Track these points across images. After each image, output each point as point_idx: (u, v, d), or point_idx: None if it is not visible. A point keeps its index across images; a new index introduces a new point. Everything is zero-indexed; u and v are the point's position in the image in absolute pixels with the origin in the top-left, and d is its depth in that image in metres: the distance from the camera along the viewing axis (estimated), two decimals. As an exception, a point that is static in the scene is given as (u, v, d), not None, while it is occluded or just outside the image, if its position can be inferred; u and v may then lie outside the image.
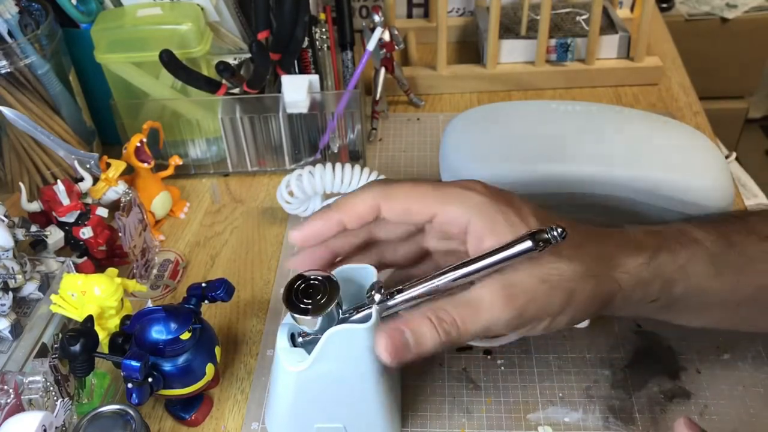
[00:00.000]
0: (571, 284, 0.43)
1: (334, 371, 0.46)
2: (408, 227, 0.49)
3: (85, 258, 0.65)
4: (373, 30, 0.79)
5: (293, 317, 0.45)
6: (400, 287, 0.45)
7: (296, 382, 0.47)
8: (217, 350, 0.54)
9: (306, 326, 0.46)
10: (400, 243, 0.51)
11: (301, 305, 0.45)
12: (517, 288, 0.43)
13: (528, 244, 0.41)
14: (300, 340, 0.47)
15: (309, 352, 0.47)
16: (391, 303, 0.45)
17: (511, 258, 0.42)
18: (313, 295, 0.45)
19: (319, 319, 0.44)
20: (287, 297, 0.45)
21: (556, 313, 0.44)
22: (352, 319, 0.47)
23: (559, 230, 0.41)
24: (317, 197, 0.70)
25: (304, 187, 0.67)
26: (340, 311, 0.46)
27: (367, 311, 0.46)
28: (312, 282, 0.45)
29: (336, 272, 0.49)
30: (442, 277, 0.44)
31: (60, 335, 0.55)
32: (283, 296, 0.45)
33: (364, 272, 0.49)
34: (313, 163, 0.69)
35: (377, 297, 0.45)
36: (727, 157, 0.74)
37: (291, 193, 0.68)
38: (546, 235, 0.41)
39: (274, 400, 0.50)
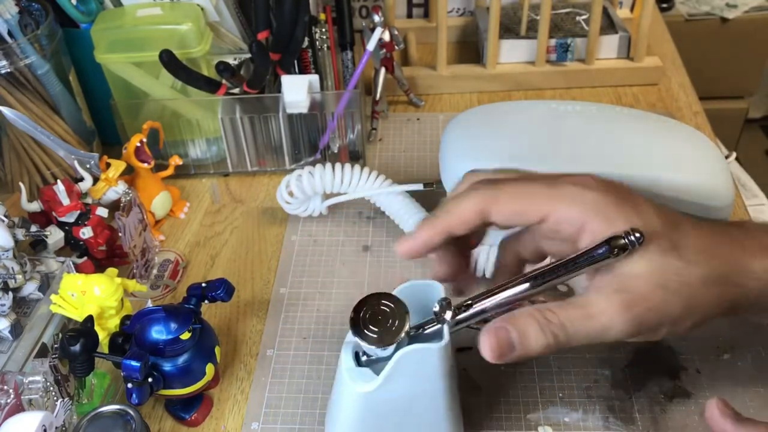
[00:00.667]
0: (693, 290, 0.41)
1: (404, 391, 0.45)
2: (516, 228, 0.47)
3: (85, 258, 0.65)
4: (373, 30, 0.79)
5: (361, 344, 0.44)
6: (469, 301, 0.43)
7: (364, 403, 0.46)
8: (217, 350, 0.54)
9: (375, 353, 0.44)
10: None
11: (370, 332, 0.43)
12: (634, 294, 0.40)
13: (602, 250, 0.40)
14: (365, 359, 0.46)
15: (374, 371, 0.46)
16: (461, 317, 0.43)
17: (586, 265, 0.40)
18: (381, 321, 0.43)
19: (390, 346, 0.43)
20: (355, 324, 0.43)
21: (676, 319, 0.41)
22: (422, 337, 0.46)
23: (637, 235, 0.39)
24: (317, 197, 0.70)
25: (304, 188, 0.67)
26: (409, 332, 0.44)
27: (434, 327, 0.44)
28: (379, 307, 0.44)
29: (400, 289, 0.48)
30: (515, 288, 0.42)
31: (60, 335, 0.55)
32: (350, 323, 0.43)
33: (429, 288, 0.48)
34: (313, 163, 0.69)
35: (448, 315, 0.43)
36: (727, 157, 0.74)
37: (291, 194, 0.68)
38: (622, 241, 0.39)
39: (338, 421, 0.49)
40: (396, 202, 0.68)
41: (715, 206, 0.59)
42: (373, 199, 0.69)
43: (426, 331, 0.44)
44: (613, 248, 0.40)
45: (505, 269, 0.49)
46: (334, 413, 0.50)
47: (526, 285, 0.42)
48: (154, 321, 0.50)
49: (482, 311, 0.43)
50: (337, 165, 0.67)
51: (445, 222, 0.44)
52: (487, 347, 0.40)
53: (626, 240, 0.39)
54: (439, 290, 0.47)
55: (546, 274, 0.42)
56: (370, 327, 0.43)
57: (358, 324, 0.44)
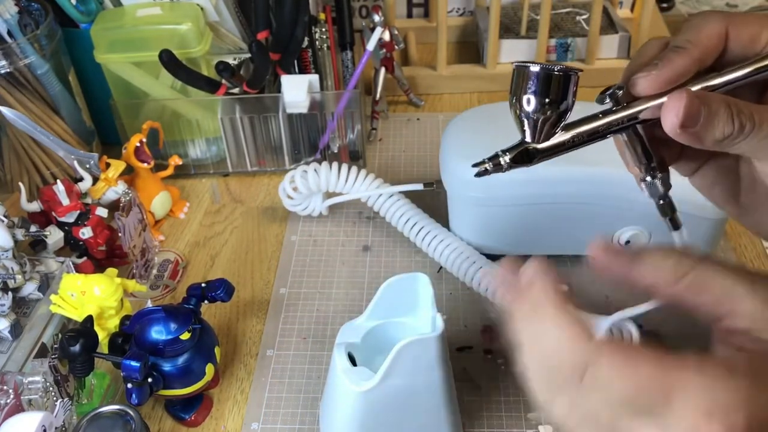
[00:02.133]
0: None
1: (403, 385, 0.46)
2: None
3: (85, 258, 0.65)
4: (373, 30, 0.79)
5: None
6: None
7: (364, 402, 0.46)
8: (217, 350, 0.54)
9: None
10: None
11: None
12: None
13: None
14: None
15: (365, 364, 0.46)
16: (627, 113, 0.38)
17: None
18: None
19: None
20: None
21: None
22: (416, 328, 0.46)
23: None
24: (318, 196, 0.70)
25: (309, 184, 0.67)
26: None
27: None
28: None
29: (387, 283, 0.48)
30: (698, 83, 0.38)
31: (60, 335, 0.55)
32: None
33: (416, 280, 0.49)
34: (317, 163, 0.69)
35: (620, 93, 0.38)
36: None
37: (295, 189, 0.68)
38: None
39: (336, 422, 0.49)
40: (395, 207, 0.67)
41: (708, 218, 0.59)
42: (370, 202, 0.69)
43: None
44: None
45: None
46: (330, 415, 0.50)
47: (717, 81, 0.37)
48: (154, 321, 0.50)
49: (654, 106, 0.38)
50: (343, 166, 0.67)
51: (696, 47, 0.38)
52: (672, 110, 0.35)
53: None
54: (426, 281, 0.48)
55: (732, 73, 0.38)
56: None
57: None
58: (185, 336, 0.50)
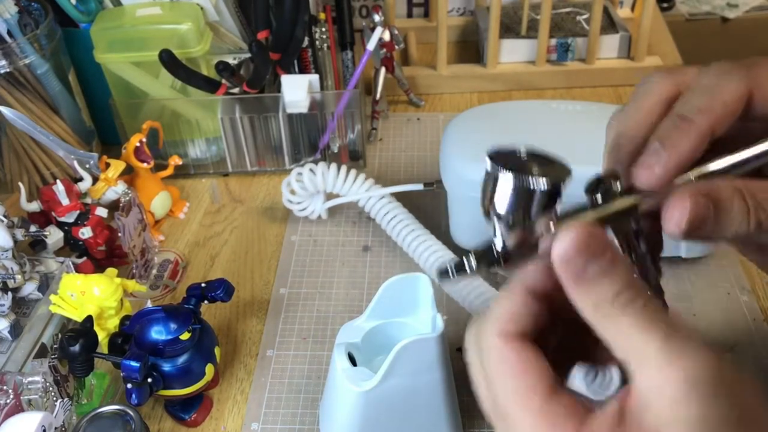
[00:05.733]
0: None
1: (403, 385, 0.46)
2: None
3: (85, 258, 0.65)
4: (373, 30, 0.78)
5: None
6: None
7: (365, 402, 0.46)
8: (217, 350, 0.54)
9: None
10: None
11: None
12: None
13: None
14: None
15: (365, 364, 0.46)
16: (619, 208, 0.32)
17: None
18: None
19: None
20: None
21: None
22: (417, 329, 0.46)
23: None
24: (318, 199, 0.70)
25: (317, 182, 0.67)
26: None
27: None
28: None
29: (387, 283, 0.48)
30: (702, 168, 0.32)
31: (59, 335, 0.55)
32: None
33: (416, 280, 0.49)
34: (314, 163, 0.69)
35: (598, 197, 0.32)
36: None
37: (301, 182, 0.68)
38: None
39: (336, 423, 0.49)
40: (386, 210, 0.67)
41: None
42: (367, 208, 0.69)
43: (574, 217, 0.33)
44: None
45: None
46: (330, 415, 0.50)
47: (729, 161, 0.32)
48: (154, 321, 0.50)
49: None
50: (351, 172, 0.67)
51: (707, 119, 0.31)
52: (673, 218, 0.30)
53: None
54: (426, 282, 0.48)
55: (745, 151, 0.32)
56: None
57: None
58: (185, 336, 0.50)
